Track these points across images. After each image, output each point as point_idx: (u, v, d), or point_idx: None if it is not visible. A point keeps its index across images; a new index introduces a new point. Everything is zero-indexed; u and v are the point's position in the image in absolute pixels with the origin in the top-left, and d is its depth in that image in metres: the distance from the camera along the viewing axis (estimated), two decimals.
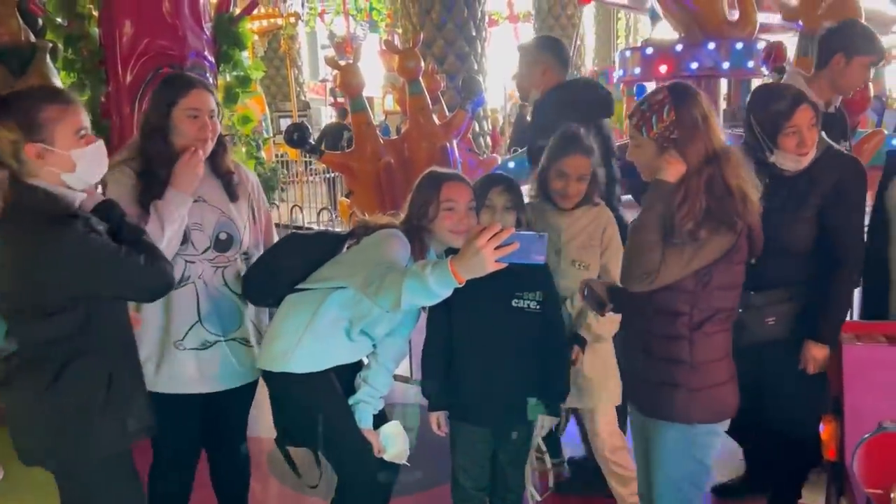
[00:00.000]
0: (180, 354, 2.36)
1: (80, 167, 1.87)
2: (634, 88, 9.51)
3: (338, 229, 5.65)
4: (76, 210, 1.89)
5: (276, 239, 2.62)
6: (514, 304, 2.36)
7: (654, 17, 10.57)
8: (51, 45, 4.74)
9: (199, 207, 2.33)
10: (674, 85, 2.04)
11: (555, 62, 3.36)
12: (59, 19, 4.65)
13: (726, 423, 2.11)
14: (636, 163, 2.05)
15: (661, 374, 2.04)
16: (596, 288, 2.26)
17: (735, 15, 6.40)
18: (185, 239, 2.31)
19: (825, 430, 2.23)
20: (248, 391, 2.52)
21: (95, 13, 4.51)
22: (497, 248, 1.68)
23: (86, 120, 1.92)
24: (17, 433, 1.97)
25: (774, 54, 6.24)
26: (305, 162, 12.98)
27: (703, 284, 1.97)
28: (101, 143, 1.93)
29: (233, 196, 2.43)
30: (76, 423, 1.92)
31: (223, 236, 2.39)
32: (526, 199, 2.62)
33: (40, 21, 4.78)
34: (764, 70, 6.50)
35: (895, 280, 2.65)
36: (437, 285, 1.80)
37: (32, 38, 4.69)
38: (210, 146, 2.35)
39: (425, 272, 1.81)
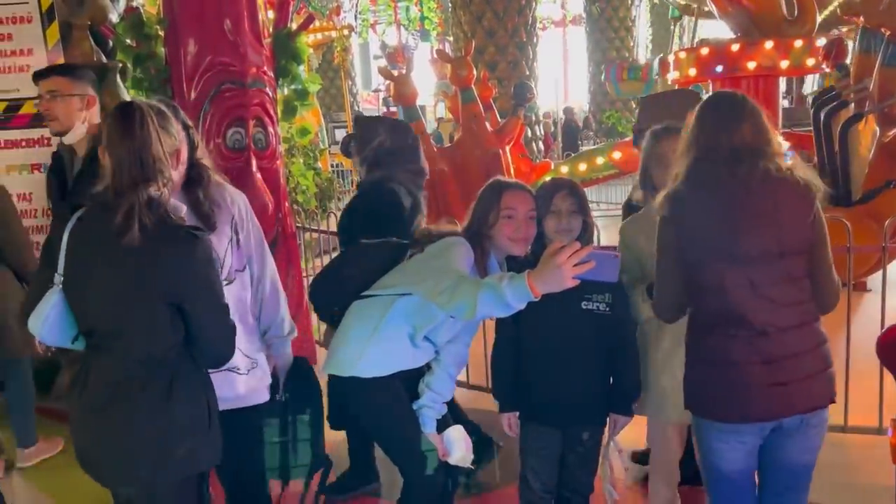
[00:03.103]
0: None
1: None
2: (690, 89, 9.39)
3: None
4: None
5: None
6: (583, 306, 2.37)
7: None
8: (121, 65, 4.96)
9: None
10: None
11: (95, 92, 3.07)
12: (128, 40, 4.85)
13: None
14: None
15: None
16: None
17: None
18: None
19: (893, 435, 2.19)
20: (243, 418, 2.34)
21: (162, 33, 4.70)
22: (574, 265, 1.75)
23: None
24: (112, 453, 1.96)
25: (835, 51, 6.09)
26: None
27: None
28: None
29: (209, 226, 2.23)
30: (189, 439, 1.97)
31: None
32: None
33: (111, 42, 5.00)
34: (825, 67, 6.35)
35: None
36: (514, 298, 1.87)
37: (104, 59, 4.92)
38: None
39: (502, 284, 1.87)
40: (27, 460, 3.81)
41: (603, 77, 13.36)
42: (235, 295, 2.30)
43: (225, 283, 2.25)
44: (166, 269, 1.90)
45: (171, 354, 1.94)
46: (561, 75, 21.84)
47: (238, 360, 2.24)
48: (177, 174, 2.15)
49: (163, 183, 1.93)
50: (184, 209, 1.98)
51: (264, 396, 2.39)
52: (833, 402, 2.13)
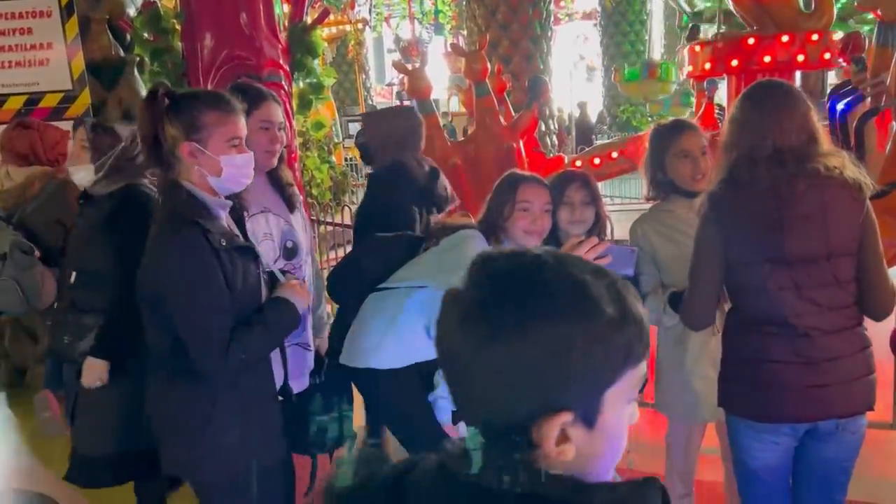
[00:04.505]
0: None
1: (225, 173, 1.94)
2: (705, 83, 9.33)
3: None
4: (206, 217, 1.91)
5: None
6: None
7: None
8: (138, 59, 5.01)
9: (265, 217, 2.37)
10: None
11: None
12: (145, 34, 4.89)
13: None
14: None
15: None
16: None
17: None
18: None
19: None
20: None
21: (179, 27, 4.74)
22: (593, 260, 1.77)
23: (242, 130, 1.99)
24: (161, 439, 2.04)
25: (852, 45, 6.04)
26: None
27: None
28: (250, 156, 2.01)
29: (292, 207, 2.46)
30: (172, 440, 2.00)
31: (290, 244, 2.44)
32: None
33: (128, 36, 5.06)
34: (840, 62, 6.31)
35: None
36: None
37: (122, 53, 4.98)
38: (277, 159, 2.37)
39: None
40: None
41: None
42: (309, 277, 2.44)
43: (293, 266, 2.36)
44: (147, 261, 1.92)
45: (166, 352, 1.93)
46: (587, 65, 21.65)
47: (309, 337, 2.40)
48: (276, 159, 2.25)
49: (174, 171, 1.93)
50: (217, 203, 1.95)
51: (307, 382, 2.44)
52: (871, 409, 2.06)
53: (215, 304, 1.85)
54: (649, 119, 15.67)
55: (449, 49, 13.31)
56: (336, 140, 10.34)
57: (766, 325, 2.00)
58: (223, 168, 1.93)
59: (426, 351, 2.43)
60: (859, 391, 2.02)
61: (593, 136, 16.33)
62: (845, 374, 1.99)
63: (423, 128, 3.08)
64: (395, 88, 21.67)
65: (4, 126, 4.20)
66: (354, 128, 15.06)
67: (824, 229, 1.95)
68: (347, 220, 5.39)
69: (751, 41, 6.36)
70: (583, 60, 19.69)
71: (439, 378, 2.43)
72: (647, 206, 2.75)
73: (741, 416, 2.09)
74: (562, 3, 20.17)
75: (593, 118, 19.01)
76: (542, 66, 11.59)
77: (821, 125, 2.05)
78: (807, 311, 1.96)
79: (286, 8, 5.44)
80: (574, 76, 21.69)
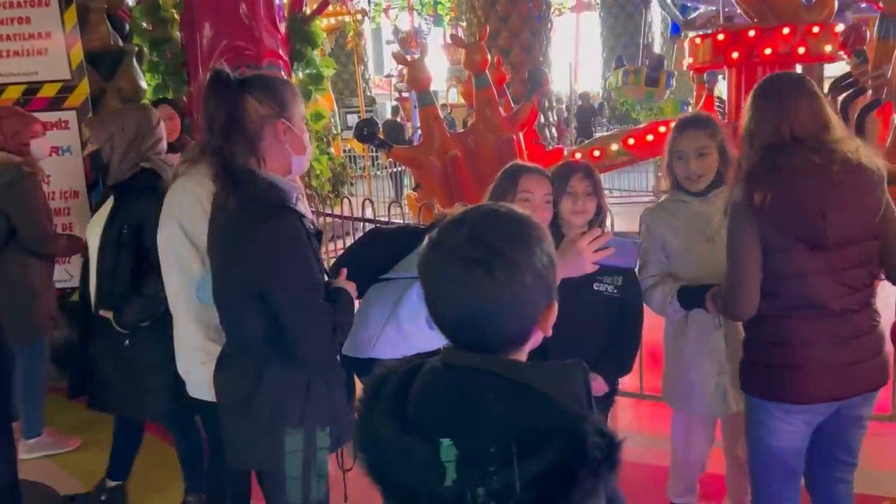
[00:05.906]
0: None
1: (308, 151, 1.95)
2: (705, 75, 9.32)
3: (408, 222, 5.75)
4: (293, 203, 1.88)
5: None
6: (594, 287, 2.38)
7: None
8: (137, 48, 4.98)
9: None
10: None
11: None
12: (144, 24, 4.86)
13: None
14: None
15: None
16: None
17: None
18: None
19: None
20: None
21: (178, 17, 4.71)
22: (595, 251, 1.78)
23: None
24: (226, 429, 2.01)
25: (853, 37, 6.04)
26: (372, 157, 13.19)
27: None
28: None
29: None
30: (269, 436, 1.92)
31: None
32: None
33: (127, 26, 5.02)
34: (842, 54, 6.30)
35: None
36: None
37: (120, 43, 4.94)
38: None
39: None
40: (28, 452, 3.64)
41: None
42: None
43: None
44: (240, 254, 1.84)
45: (258, 342, 1.89)
46: (574, 61, 21.66)
47: None
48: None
49: (257, 157, 1.87)
50: (293, 188, 1.92)
51: None
52: (885, 383, 2.16)
53: (319, 288, 1.86)
54: (649, 112, 15.65)
55: (448, 40, 13.27)
56: (335, 131, 10.31)
57: (803, 309, 2.06)
58: (306, 146, 1.95)
59: (427, 341, 2.42)
60: (880, 365, 2.14)
61: (592, 129, 16.31)
62: (871, 350, 2.11)
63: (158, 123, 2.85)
64: (394, 80, 21.60)
65: None
66: (353, 119, 15.06)
67: (858, 214, 2.02)
68: (347, 212, 5.38)
69: (752, 33, 6.34)
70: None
71: None
72: (646, 198, 2.74)
73: (779, 400, 2.11)
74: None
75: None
76: (541, 58, 11.57)
77: (833, 112, 2.10)
78: (842, 293, 2.05)
79: None
80: (573, 70, 21.58)
